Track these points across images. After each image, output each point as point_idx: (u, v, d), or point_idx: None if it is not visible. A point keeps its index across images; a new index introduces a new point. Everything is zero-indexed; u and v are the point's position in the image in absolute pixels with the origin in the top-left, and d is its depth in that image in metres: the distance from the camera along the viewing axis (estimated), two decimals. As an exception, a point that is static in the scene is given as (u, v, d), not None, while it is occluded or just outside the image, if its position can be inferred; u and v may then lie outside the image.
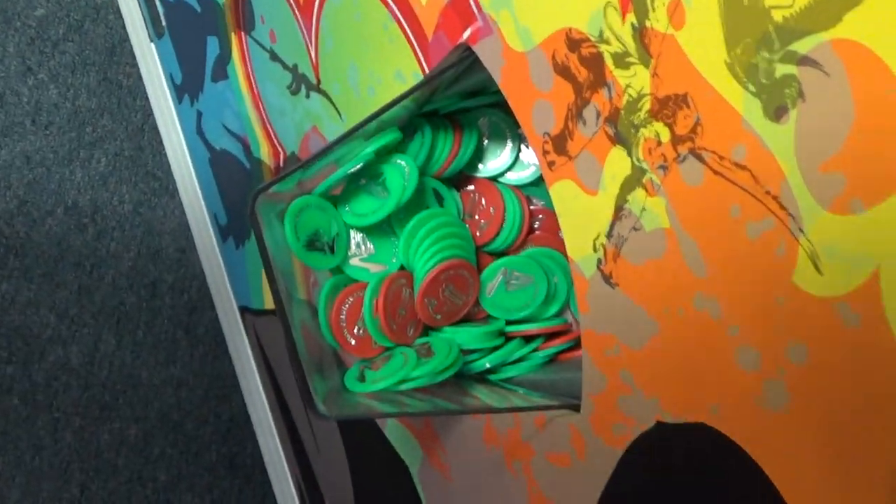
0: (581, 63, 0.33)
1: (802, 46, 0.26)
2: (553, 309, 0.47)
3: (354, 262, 0.46)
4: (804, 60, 0.26)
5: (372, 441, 0.53)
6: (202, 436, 0.78)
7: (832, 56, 0.25)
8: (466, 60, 0.39)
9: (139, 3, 0.66)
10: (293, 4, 0.47)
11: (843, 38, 0.25)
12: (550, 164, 0.36)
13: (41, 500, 0.69)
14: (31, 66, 0.73)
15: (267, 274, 0.40)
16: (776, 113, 0.27)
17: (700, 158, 0.30)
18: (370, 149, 0.42)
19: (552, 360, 0.46)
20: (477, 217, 0.47)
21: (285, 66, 0.50)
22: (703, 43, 0.29)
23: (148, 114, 0.76)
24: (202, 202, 0.70)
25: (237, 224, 0.64)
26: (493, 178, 0.48)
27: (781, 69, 0.27)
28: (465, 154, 0.46)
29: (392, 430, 0.52)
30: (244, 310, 0.70)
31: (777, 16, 0.26)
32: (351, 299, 0.46)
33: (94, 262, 0.74)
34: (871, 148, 0.25)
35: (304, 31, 0.47)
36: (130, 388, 0.75)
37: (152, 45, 0.66)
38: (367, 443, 0.54)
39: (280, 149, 0.54)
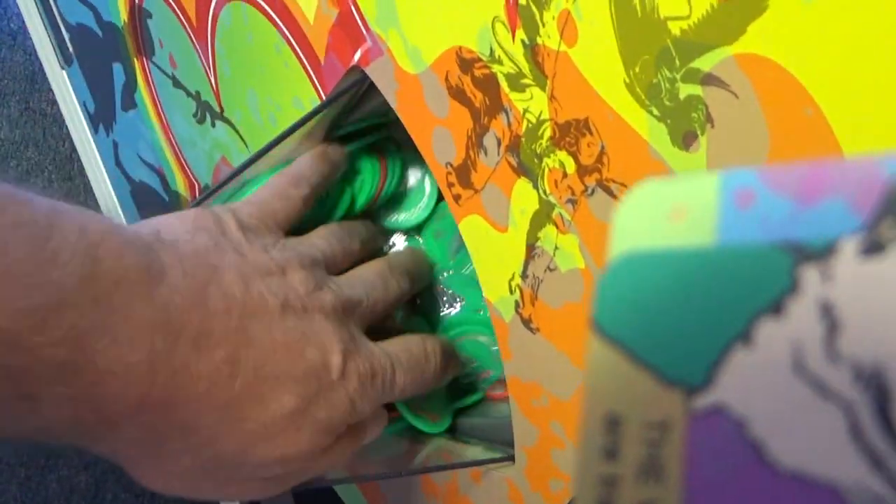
0: (475, 85, 0.29)
1: (705, 63, 0.22)
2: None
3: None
4: (708, 79, 0.22)
5: (318, 490, 0.50)
6: (159, 476, 0.74)
7: (738, 73, 0.21)
8: (361, 84, 0.35)
9: (46, 29, 0.62)
10: (187, 26, 0.43)
11: (748, 52, 0.21)
12: (456, 198, 0.32)
13: (-11, 558, 0.65)
14: (-54, 101, 0.69)
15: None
16: (684, 140, 0.23)
17: (609, 191, 0.26)
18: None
19: (486, 399, 0.42)
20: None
21: (188, 93, 0.46)
22: (598, 61, 0.25)
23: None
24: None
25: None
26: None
27: (685, 89, 0.23)
28: (391, 185, 0.41)
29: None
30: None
31: (674, 28, 0.22)
32: None
33: (30, 304, 0.70)
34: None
35: (202, 56, 0.43)
36: (78, 432, 0.71)
37: (64, 72, 0.62)
38: (314, 492, 0.51)
39: (195, 181, 0.50)
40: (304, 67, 0.37)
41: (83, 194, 0.72)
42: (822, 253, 0.11)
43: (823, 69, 0.20)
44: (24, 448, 0.68)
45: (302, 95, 0.37)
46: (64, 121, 0.72)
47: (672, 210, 0.13)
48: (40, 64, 0.72)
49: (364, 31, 0.33)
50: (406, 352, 0.34)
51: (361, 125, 0.41)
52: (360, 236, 0.37)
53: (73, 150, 0.73)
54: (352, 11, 0.33)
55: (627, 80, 0.24)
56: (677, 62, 0.23)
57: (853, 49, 0.19)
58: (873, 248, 0.11)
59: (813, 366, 0.11)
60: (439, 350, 0.36)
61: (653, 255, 0.13)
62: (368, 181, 0.40)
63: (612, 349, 0.13)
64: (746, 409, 0.11)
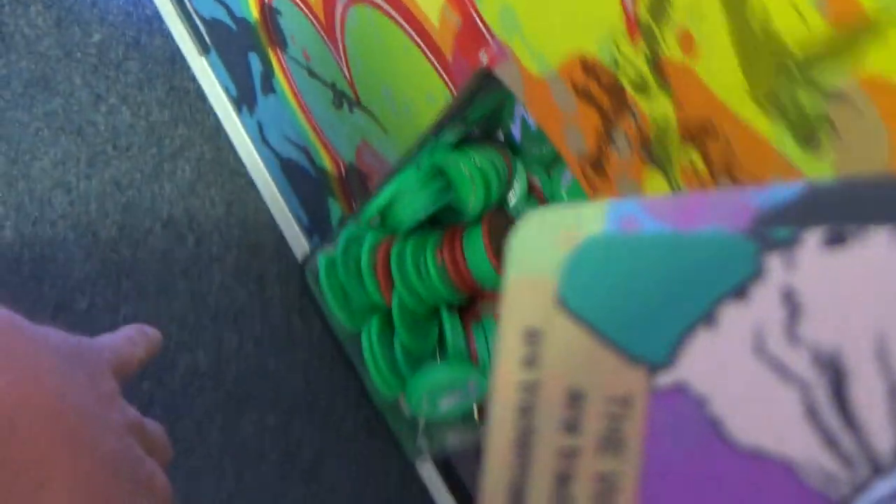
0: (601, 89, 0.31)
1: (825, 78, 0.23)
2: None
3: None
4: (831, 94, 0.23)
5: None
6: (336, 408, 0.81)
7: (857, 89, 0.23)
8: (489, 84, 0.37)
9: (182, 20, 0.65)
10: (317, 26, 0.46)
11: (868, 74, 0.22)
12: (592, 187, 0.34)
13: (202, 494, 0.74)
14: (99, 93, 0.75)
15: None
16: (809, 143, 0.25)
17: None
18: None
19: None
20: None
21: (324, 83, 0.49)
22: (720, 73, 0.26)
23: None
24: (284, 205, 0.71)
25: (319, 226, 0.65)
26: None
27: (807, 101, 0.24)
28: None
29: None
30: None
31: (794, 47, 0.24)
32: None
33: (201, 268, 0.77)
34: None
35: (334, 52, 0.46)
36: (260, 378, 0.78)
37: (203, 59, 0.66)
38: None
39: (339, 159, 0.54)
40: (434, 67, 0.39)
41: (232, 161, 0.77)
42: (786, 242, 0.12)
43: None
44: (217, 398, 0.76)
45: (434, 92, 0.40)
46: (205, 96, 0.77)
47: (562, 236, 0.13)
48: (177, 44, 0.77)
49: (488, 37, 0.35)
50: None
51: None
52: None
53: (219, 123, 0.78)
54: (474, 19, 0.35)
55: (749, 91, 0.26)
56: (798, 76, 0.24)
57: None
58: (836, 239, 0.11)
59: (774, 348, 0.11)
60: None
61: (620, 237, 0.13)
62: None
63: (577, 326, 0.13)
64: (707, 387, 0.12)
